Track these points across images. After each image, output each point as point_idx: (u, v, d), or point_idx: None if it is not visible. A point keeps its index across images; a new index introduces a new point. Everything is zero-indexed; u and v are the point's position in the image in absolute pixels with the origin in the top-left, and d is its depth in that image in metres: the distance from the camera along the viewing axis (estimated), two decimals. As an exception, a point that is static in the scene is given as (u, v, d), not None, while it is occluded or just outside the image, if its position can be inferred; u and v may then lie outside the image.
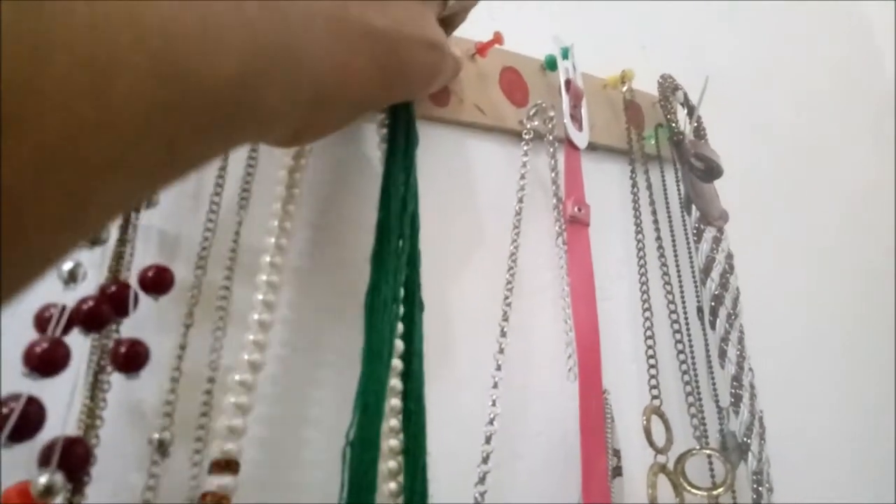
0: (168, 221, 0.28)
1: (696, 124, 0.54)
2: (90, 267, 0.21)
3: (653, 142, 0.51)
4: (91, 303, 0.20)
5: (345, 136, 0.34)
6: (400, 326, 0.28)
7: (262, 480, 0.26)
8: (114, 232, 0.23)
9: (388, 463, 0.26)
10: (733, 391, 0.42)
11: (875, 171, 0.75)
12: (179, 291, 0.25)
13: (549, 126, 0.42)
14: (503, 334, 0.33)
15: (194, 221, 0.28)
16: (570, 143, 0.42)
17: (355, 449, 0.23)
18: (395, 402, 0.27)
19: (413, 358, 0.28)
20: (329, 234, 0.32)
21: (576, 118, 0.43)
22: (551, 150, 0.42)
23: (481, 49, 0.42)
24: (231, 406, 0.23)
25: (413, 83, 0.29)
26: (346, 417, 0.23)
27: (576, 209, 0.39)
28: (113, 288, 0.21)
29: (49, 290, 0.20)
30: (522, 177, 0.39)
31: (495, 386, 0.32)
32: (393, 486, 0.26)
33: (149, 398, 0.24)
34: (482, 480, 0.29)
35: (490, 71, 0.43)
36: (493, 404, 0.31)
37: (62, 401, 0.20)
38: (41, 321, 0.20)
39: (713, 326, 0.44)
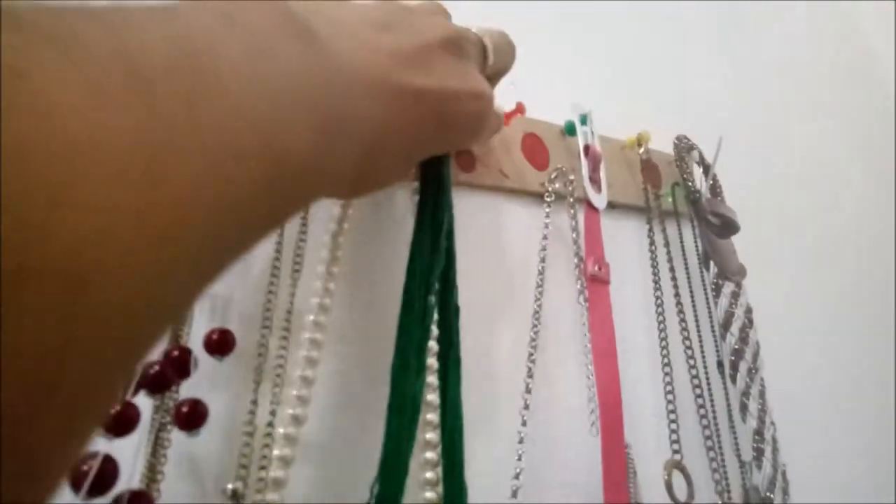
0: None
1: (711, 182, 0.56)
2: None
3: (670, 200, 0.53)
4: (157, 367, 0.23)
5: (383, 201, 0.37)
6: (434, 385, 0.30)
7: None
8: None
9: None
10: (755, 445, 0.43)
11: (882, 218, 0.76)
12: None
13: (570, 188, 0.44)
14: (528, 390, 0.35)
15: (241, 284, 0.31)
16: (588, 205, 0.44)
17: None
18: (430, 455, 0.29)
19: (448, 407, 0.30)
20: (371, 296, 0.34)
21: (594, 181, 0.45)
22: (572, 211, 0.44)
23: (505, 118, 0.45)
24: (276, 458, 0.25)
25: (462, 132, 0.30)
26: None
27: (596, 268, 0.41)
28: (175, 353, 0.24)
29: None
30: (545, 237, 0.41)
31: (521, 441, 0.33)
32: None
33: (204, 453, 0.26)
34: (509, 533, 0.31)
35: (512, 137, 0.46)
36: (519, 459, 0.33)
37: (128, 458, 0.23)
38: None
39: (734, 381, 0.46)
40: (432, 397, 0.31)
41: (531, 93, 0.45)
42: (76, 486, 0.19)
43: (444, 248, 0.34)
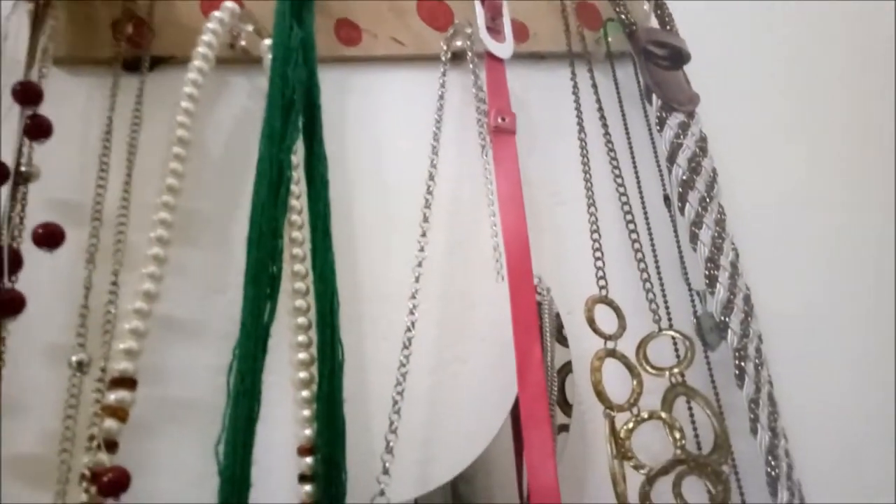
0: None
1: (658, 12, 0.51)
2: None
3: (608, 39, 0.49)
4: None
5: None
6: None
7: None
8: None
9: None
10: (707, 272, 0.40)
11: None
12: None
13: (468, 43, 0.42)
14: (422, 249, 0.34)
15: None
16: (490, 56, 0.41)
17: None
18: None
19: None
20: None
21: (495, 30, 0.42)
22: (471, 66, 0.41)
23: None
24: (126, 332, 0.26)
25: None
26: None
27: (500, 119, 0.39)
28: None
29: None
30: (441, 97, 0.40)
31: (413, 296, 0.33)
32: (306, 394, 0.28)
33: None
34: (399, 383, 0.31)
35: (406, 3, 0.44)
36: (412, 312, 0.32)
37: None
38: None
39: (682, 212, 0.43)
40: (300, 267, 0.30)
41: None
42: None
43: (302, 122, 0.33)
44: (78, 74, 0.34)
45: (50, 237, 0.26)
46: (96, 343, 0.27)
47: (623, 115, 0.46)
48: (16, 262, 0.25)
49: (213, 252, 0.33)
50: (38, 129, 0.27)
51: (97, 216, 0.28)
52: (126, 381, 0.24)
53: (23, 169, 0.27)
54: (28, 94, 0.27)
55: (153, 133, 0.32)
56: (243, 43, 0.37)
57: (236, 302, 0.28)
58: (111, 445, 0.23)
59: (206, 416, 0.27)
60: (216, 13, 0.34)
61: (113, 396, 0.24)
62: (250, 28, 0.36)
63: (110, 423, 0.23)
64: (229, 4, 0.35)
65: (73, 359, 0.26)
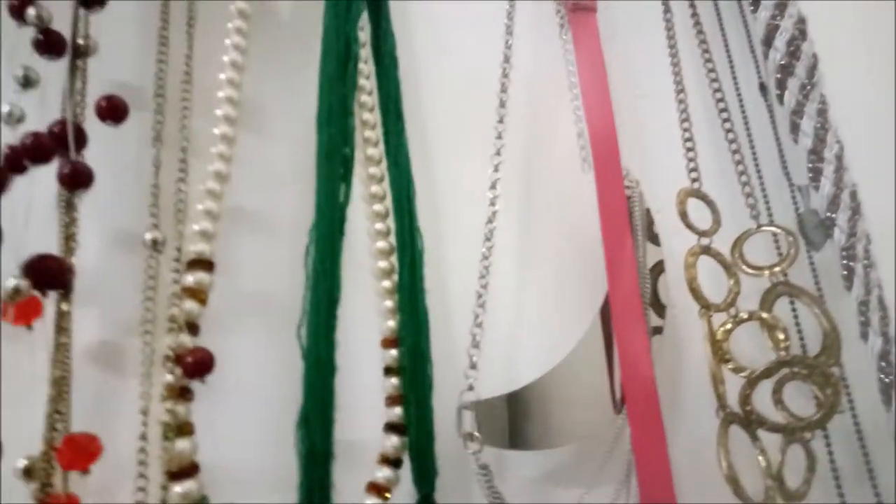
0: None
1: None
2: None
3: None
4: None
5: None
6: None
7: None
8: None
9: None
10: (811, 165, 0.37)
11: None
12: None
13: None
14: (499, 137, 0.32)
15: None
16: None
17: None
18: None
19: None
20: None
21: None
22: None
23: None
24: (200, 212, 0.24)
25: None
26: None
27: (579, -6, 0.35)
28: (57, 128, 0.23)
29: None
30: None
31: (493, 186, 0.30)
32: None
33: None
34: (483, 276, 0.29)
35: None
36: (492, 203, 0.30)
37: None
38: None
39: (781, 100, 0.38)
40: (373, 151, 0.28)
41: None
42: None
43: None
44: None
45: (114, 110, 0.25)
46: (168, 225, 0.25)
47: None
48: (80, 137, 0.23)
49: (278, 141, 0.31)
50: (91, -1, 0.25)
51: (160, 93, 0.26)
52: (204, 263, 0.23)
53: (79, 41, 0.25)
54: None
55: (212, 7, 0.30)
56: None
57: (306, 193, 0.26)
58: (193, 327, 0.22)
59: (283, 308, 0.25)
60: None
61: (191, 278, 0.23)
62: None
63: (191, 305, 0.22)
64: None
65: (148, 237, 0.24)
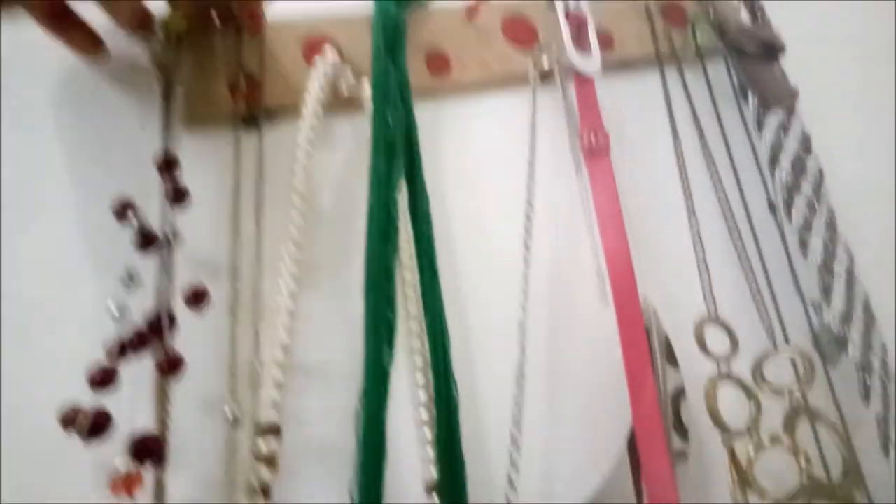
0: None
1: (747, 3, 0.49)
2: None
3: (697, 36, 0.48)
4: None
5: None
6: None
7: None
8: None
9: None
10: (821, 282, 0.39)
11: None
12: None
13: (554, 59, 0.42)
14: (525, 280, 0.35)
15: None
16: (578, 74, 0.41)
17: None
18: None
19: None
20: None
21: (581, 45, 0.42)
22: (558, 82, 0.41)
23: (472, 10, 0.43)
24: (270, 382, 0.28)
25: None
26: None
27: (592, 139, 0.39)
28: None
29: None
30: (532, 117, 0.40)
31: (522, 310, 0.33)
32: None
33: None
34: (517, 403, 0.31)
35: (490, 25, 0.44)
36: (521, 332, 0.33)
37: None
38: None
39: (790, 217, 0.41)
40: (413, 308, 0.32)
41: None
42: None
43: (403, 157, 0.34)
44: (200, 135, 0.36)
45: (198, 297, 0.29)
46: (242, 392, 0.29)
47: (718, 118, 0.44)
48: (172, 324, 0.28)
49: (330, 295, 0.35)
50: (178, 195, 0.29)
51: (234, 273, 0.31)
52: (273, 429, 0.27)
53: (168, 234, 0.29)
54: (168, 163, 0.30)
55: (276, 187, 0.34)
56: (345, 92, 0.38)
57: (356, 340, 0.29)
58: (266, 492, 0.25)
59: (341, 454, 0.28)
60: (319, 67, 0.36)
61: (264, 446, 0.26)
62: (349, 73, 0.37)
63: (264, 472, 0.25)
64: (329, 56, 0.36)
65: (228, 414, 0.28)
